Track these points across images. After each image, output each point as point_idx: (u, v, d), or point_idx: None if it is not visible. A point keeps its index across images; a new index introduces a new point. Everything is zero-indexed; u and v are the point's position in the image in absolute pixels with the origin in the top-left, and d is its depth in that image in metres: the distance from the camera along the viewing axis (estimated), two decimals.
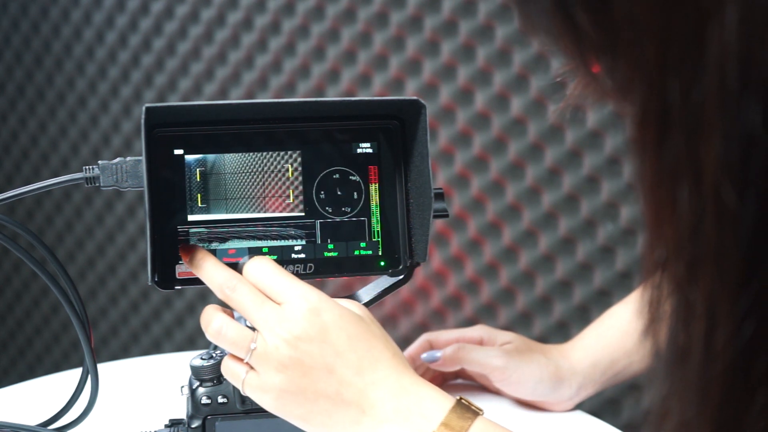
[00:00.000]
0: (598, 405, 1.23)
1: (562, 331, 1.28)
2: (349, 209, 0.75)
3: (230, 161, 0.73)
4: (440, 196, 0.72)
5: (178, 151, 0.72)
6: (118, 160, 0.71)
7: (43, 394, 1.00)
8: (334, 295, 0.69)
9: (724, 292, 0.37)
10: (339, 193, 0.75)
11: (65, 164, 1.88)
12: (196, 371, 0.74)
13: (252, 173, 0.73)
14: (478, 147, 1.32)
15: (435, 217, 0.72)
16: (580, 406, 0.96)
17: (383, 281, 0.76)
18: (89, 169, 0.71)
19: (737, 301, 0.37)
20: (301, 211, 0.74)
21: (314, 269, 0.74)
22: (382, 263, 0.75)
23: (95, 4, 1.75)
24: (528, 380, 0.92)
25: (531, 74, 1.26)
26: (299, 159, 0.74)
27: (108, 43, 1.75)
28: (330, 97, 1.42)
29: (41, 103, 1.89)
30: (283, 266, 0.69)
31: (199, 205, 0.72)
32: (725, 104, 0.35)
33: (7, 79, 1.93)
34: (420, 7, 1.34)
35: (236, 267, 0.69)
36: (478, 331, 0.97)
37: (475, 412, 0.63)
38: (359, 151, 0.75)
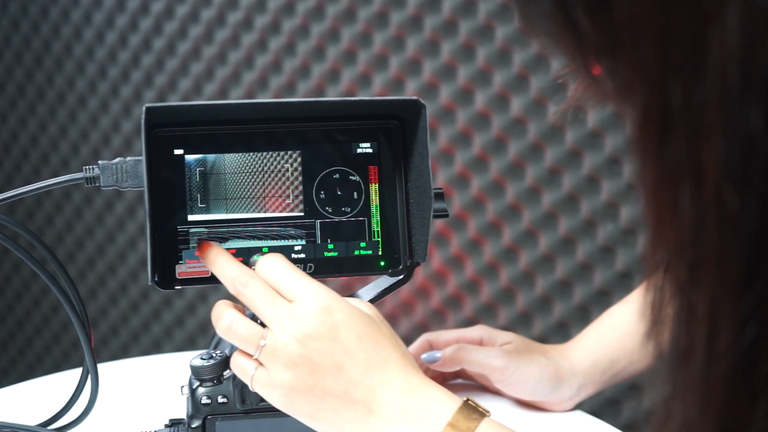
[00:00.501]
0: (598, 405, 1.23)
1: (562, 331, 1.28)
2: (349, 209, 0.75)
3: (230, 161, 0.73)
4: (440, 196, 0.72)
5: (178, 151, 0.72)
6: (118, 160, 0.71)
7: (43, 394, 1.00)
8: None
9: (727, 294, 0.37)
10: (339, 193, 0.75)
11: (65, 164, 1.88)
12: (196, 371, 0.74)
13: (252, 173, 0.73)
14: (478, 147, 1.32)
15: (435, 217, 0.72)
16: (580, 406, 0.96)
17: (383, 281, 0.76)
18: (89, 169, 0.71)
19: (739, 303, 0.37)
20: (301, 211, 0.74)
21: (314, 269, 0.74)
22: (382, 263, 0.75)
23: (95, 4, 1.75)
24: (528, 380, 0.92)
25: (531, 74, 1.26)
26: (299, 159, 0.74)
27: (108, 43, 1.75)
28: (330, 97, 1.42)
29: (41, 103, 1.89)
30: None
31: (199, 205, 0.72)
32: (726, 106, 0.35)
33: (7, 79, 1.93)
34: (420, 7, 1.34)
35: (248, 264, 0.69)
36: (478, 331, 0.97)
37: (482, 414, 0.63)
38: (359, 151, 0.75)
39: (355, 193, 0.75)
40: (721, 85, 0.35)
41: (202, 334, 1.70)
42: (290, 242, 0.74)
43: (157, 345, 1.79)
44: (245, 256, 0.73)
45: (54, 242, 1.91)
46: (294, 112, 0.74)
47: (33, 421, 0.79)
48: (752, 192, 0.35)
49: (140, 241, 1.79)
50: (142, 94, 1.71)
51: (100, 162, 0.71)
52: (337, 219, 0.74)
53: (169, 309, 1.76)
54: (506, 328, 1.18)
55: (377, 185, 0.75)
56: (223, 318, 0.67)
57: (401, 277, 0.75)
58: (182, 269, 0.72)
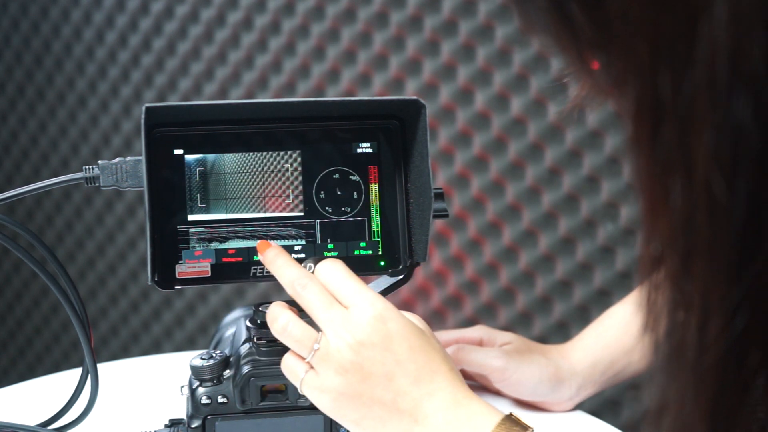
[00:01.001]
0: (598, 405, 1.23)
1: (562, 331, 1.28)
2: (349, 209, 0.75)
3: (230, 161, 0.73)
4: (440, 196, 0.72)
5: (178, 151, 0.72)
6: (118, 160, 0.71)
7: (43, 394, 1.00)
8: None
9: (717, 283, 0.38)
10: (339, 193, 0.75)
11: (65, 164, 1.88)
12: (196, 371, 0.74)
13: (252, 173, 0.73)
14: (478, 147, 1.32)
15: (435, 217, 0.72)
16: (580, 406, 0.96)
17: (383, 281, 0.76)
18: (89, 169, 0.71)
19: (730, 292, 0.37)
20: (300, 211, 0.74)
21: (314, 269, 0.73)
22: (382, 263, 0.75)
23: (95, 4, 1.75)
24: (528, 381, 0.92)
25: (531, 74, 1.26)
26: (299, 159, 0.74)
27: (108, 43, 1.75)
28: (330, 97, 1.42)
29: (41, 103, 1.89)
30: None
31: (199, 205, 0.72)
32: (715, 98, 0.35)
33: (7, 79, 1.93)
34: (420, 7, 1.34)
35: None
36: (478, 331, 0.97)
37: (525, 428, 0.64)
38: (359, 151, 0.75)
39: (355, 193, 0.75)
40: (710, 78, 0.35)
41: (202, 334, 1.70)
42: (290, 242, 0.74)
43: (157, 345, 1.79)
44: (245, 256, 0.73)
45: (54, 242, 1.91)
46: (294, 112, 0.74)
47: (33, 421, 0.79)
48: (741, 182, 0.36)
49: (140, 241, 1.79)
50: (142, 94, 1.71)
51: (100, 162, 0.71)
52: (336, 219, 0.74)
53: (169, 309, 1.76)
54: (506, 328, 1.18)
55: (377, 185, 0.75)
56: (279, 319, 0.67)
57: (401, 277, 0.75)
58: (182, 269, 0.72)
